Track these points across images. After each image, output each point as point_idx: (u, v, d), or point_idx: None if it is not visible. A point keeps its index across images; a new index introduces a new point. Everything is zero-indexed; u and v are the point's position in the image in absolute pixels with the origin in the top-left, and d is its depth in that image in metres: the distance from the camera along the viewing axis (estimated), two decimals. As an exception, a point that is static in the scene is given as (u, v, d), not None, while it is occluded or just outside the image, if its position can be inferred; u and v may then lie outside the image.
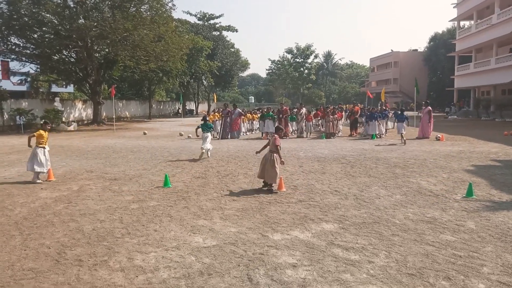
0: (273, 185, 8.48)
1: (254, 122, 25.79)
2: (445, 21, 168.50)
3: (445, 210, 7.02)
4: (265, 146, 9.02)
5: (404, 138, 17.78)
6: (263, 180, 8.64)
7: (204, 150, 13.50)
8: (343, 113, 25.11)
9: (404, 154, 14.03)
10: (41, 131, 10.04)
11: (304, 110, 23.24)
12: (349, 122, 24.38)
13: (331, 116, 21.56)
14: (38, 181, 9.77)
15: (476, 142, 17.75)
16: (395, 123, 21.36)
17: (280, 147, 8.60)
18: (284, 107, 22.38)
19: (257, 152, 9.33)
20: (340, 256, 5.01)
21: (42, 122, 10.71)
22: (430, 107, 20.79)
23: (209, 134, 13.82)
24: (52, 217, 6.84)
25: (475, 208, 7.13)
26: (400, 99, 72.01)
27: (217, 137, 21.19)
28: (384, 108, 24.53)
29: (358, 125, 24.20)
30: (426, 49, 72.76)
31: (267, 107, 27.24)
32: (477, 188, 8.57)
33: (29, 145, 10.03)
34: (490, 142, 17.57)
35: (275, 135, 8.82)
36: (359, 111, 24.82)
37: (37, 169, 9.79)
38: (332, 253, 5.11)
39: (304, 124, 22.56)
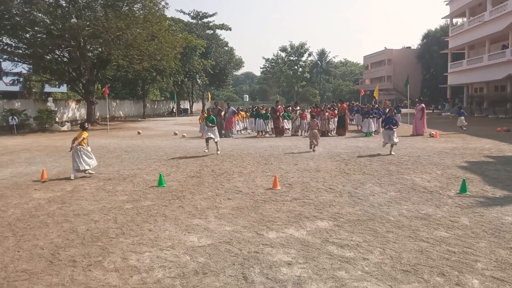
0: (315, 147, 14.67)
1: (248, 120, 25.74)
2: (437, 18, 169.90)
3: (439, 206, 7.06)
4: (309, 127, 16.13)
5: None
6: (311, 146, 14.73)
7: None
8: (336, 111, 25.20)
9: (398, 151, 14.07)
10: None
11: (298, 109, 23.23)
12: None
13: (325, 114, 21.58)
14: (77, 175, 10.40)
15: (469, 139, 17.85)
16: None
17: (318, 124, 15.17)
18: (279, 106, 22.40)
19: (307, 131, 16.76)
20: (335, 253, 5.02)
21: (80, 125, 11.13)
22: (423, 104, 20.87)
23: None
24: (45, 218, 6.80)
25: (468, 204, 7.17)
26: (394, 96, 72.26)
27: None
28: (378, 105, 24.61)
29: (351, 122, 24.29)
30: (419, 47, 73.04)
31: (257, 106, 27.17)
32: (470, 184, 8.62)
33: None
34: (483, 139, 17.68)
35: (315, 120, 15.25)
36: (346, 108, 24.91)
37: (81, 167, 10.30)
38: (327, 250, 5.12)
39: (298, 122, 22.58)
